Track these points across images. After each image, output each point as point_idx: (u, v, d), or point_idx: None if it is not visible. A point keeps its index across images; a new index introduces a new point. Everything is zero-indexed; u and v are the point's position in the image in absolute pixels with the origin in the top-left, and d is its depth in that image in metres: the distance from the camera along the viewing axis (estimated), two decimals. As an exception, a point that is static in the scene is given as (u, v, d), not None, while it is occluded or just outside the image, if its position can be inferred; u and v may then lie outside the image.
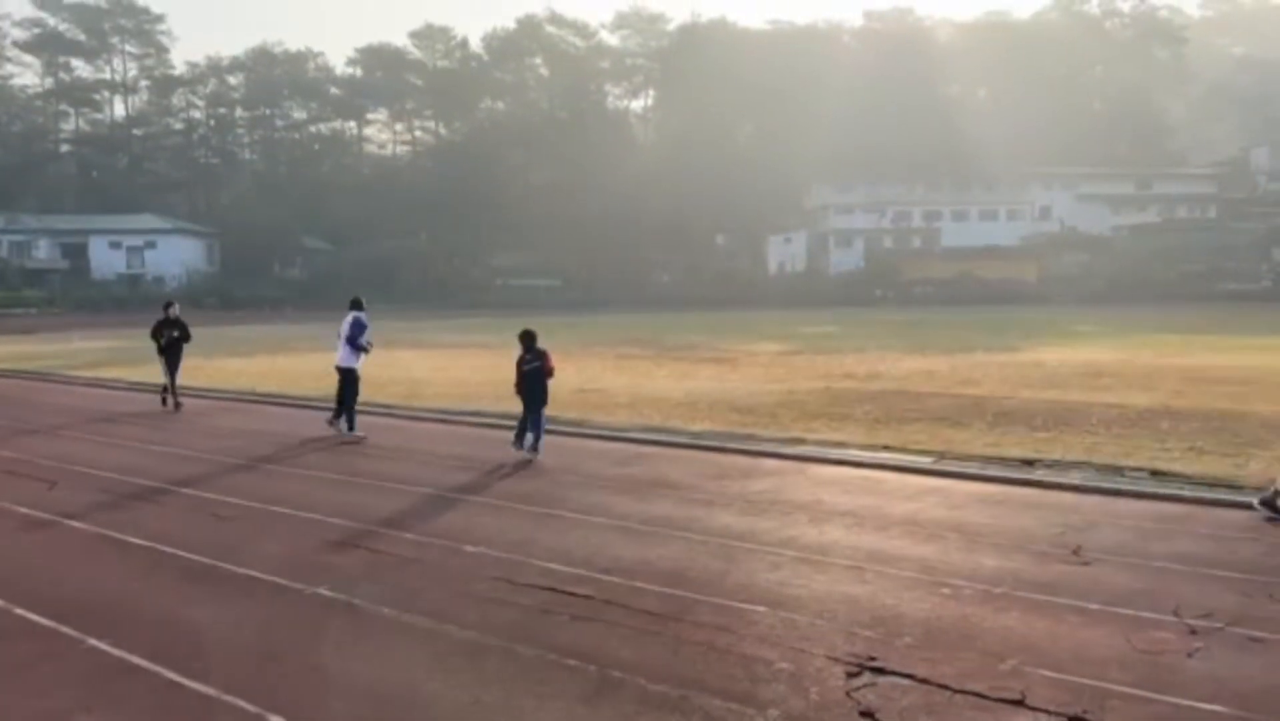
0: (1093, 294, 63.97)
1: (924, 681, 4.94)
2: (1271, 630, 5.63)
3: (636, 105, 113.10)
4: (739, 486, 10.05)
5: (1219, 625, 5.71)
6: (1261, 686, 4.83)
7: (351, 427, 13.84)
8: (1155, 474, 10.39)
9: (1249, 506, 8.74)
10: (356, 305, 14.28)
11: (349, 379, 13.91)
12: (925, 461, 11.36)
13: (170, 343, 17.87)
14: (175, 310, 18.39)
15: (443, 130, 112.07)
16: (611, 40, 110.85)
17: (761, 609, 6.07)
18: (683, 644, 5.50)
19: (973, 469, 10.85)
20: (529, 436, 11.88)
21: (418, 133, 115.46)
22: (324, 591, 6.57)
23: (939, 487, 9.97)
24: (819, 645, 5.45)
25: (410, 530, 8.23)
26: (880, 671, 5.08)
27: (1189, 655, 5.28)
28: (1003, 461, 11.25)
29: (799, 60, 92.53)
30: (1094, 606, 6.13)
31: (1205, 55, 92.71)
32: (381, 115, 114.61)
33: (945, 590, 6.49)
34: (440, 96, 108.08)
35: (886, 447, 12.33)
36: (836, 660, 5.23)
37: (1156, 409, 15.05)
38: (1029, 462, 11.22)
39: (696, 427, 14.30)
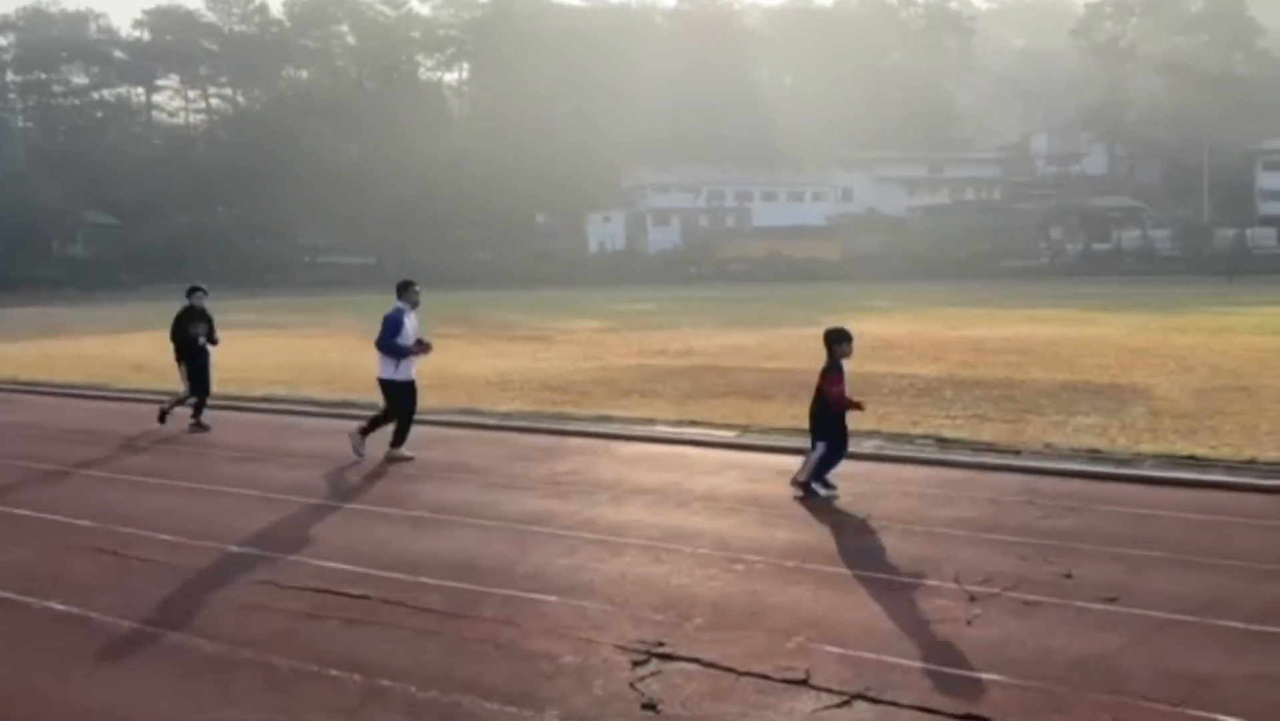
0: (891, 271, 67.35)
1: (710, 665, 4.77)
2: (1045, 593, 5.81)
3: (451, 78, 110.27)
4: (543, 468, 9.73)
5: (996, 590, 5.85)
6: (1034, 651, 4.93)
7: (401, 442, 10.30)
8: (941, 441, 10.81)
9: (1020, 470, 9.21)
10: (402, 290, 10.42)
11: (389, 395, 10.31)
12: (729, 435, 11.39)
13: (194, 348, 12.71)
14: (203, 298, 13.10)
15: (241, 99, 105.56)
16: (423, 9, 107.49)
17: (552, 598, 5.77)
18: (463, 643, 5.12)
19: (774, 441, 10.95)
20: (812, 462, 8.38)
21: (214, 101, 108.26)
22: (55, 605, 5.77)
23: (740, 461, 9.98)
24: (608, 633, 5.20)
25: (166, 531, 7.42)
26: (667, 658, 4.87)
27: (969, 622, 5.35)
28: (802, 433, 11.41)
29: (614, 39, 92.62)
30: (881, 576, 6.17)
31: (991, 46, 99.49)
32: (173, 82, 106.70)
33: (739, 566, 6.40)
34: (238, 63, 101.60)
35: (693, 423, 12.31)
36: (624, 649, 4.98)
37: (944, 378, 15.77)
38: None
39: (505, 408, 13.88)
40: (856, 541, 6.98)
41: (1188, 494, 8.33)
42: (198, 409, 12.65)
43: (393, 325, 10.13)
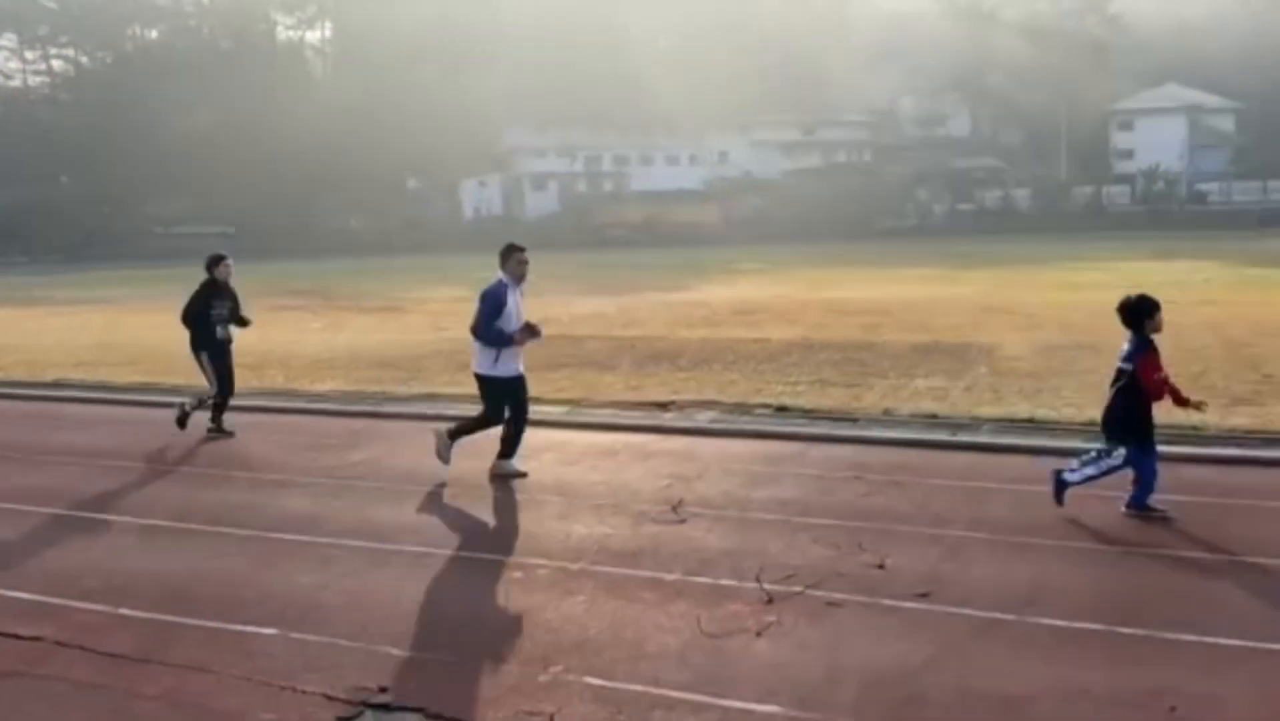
0: (768, 234, 67.53)
1: (435, 717, 3.86)
2: (852, 589, 5.12)
3: (312, 37, 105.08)
4: (333, 458, 8.64)
5: (798, 589, 5.13)
6: (824, 672, 4.21)
7: (507, 455, 7.93)
8: (780, 410, 10.18)
9: (853, 441, 8.62)
10: (505, 257, 7.89)
11: (489, 394, 7.90)
12: (558, 412, 10.49)
13: (213, 335, 9.95)
14: (229, 269, 10.14)
15: (84, 60, 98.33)
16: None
17: (270, 631, 4.76)
18: (132, 702, 4.08)
19: (602, 417, 10.13)
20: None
21: (55, 63, 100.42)
22: None
23: (561, 441, 9.10)
24: (322, 678, 4.24)
25: None
26: (385, 709, 3.95)
27: (759, 633, 4.61)
28: (638, 406, 10.66)
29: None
30: (672, 577, 5.39)
31: (861, 9, 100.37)
32: (9, 42, 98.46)
33: (518, 574, 5.52)
34: (80, 21, 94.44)
35: (524, 399, 11.40)
36: (335, 699, 4.04)
37: (797, 342, 15.25)
38: (663, 405, 10.71)
39: (322, 388, 12.67)
40: (659, 534, 6.18)
41: (1022, 462, 7.85)
42: (219, 409, 9.93)
43: (494, 303, 7.51)
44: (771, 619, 4.75)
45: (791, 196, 77.95)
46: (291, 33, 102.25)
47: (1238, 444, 8.06)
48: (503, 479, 7.66)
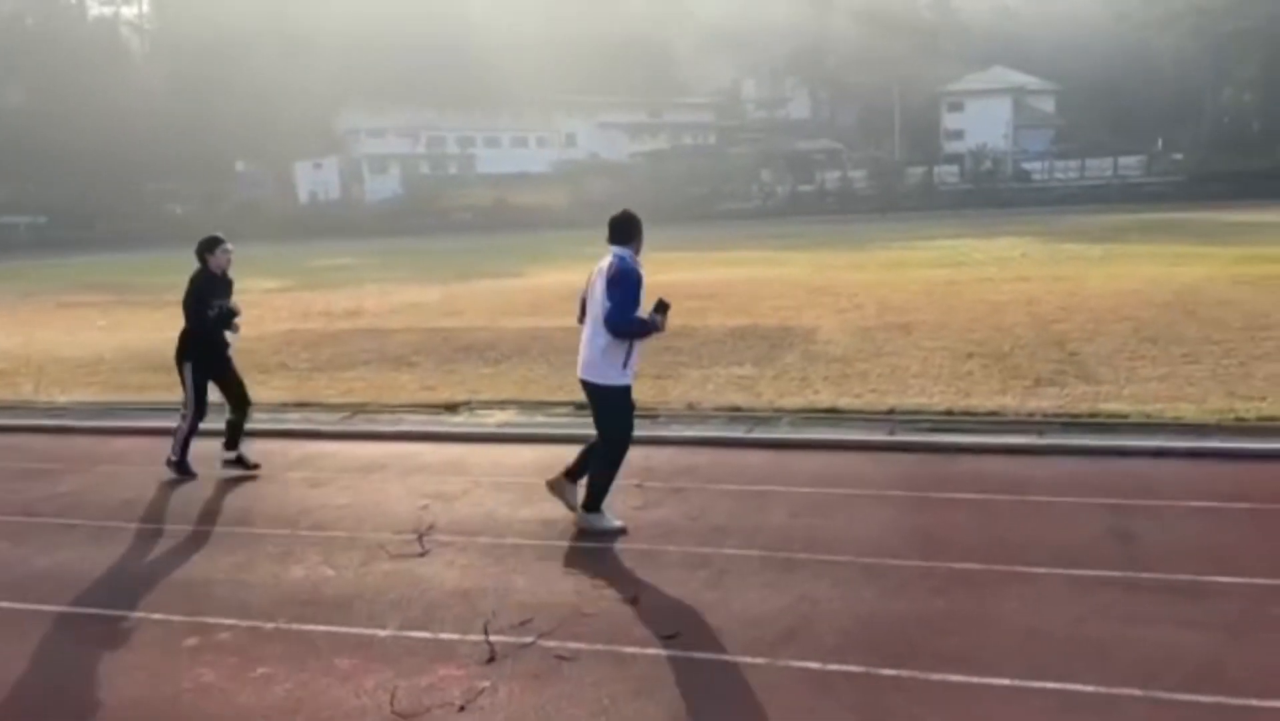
0: (616, 217, 67.02)
1: None
2: (590, 635, 4.37)
3: (129, 13, 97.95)
4: (41, 489, 7.34)
5: (530, 639, 4.34)
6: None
7: (593, 507, 5.98)
8: (580, 408, 9.40)
9: (645, 442, 7.90)
10: (627, 230, 6.04)
11: (608, 409, 5.94)
12: (330, 421, 9.42)
13: (216, 340, 7.75)
14: (228, 256, 7.81)
15: None
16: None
17: None
18: None
19: (380, 425, 9.11)
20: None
21: None
22: None
23: (318, 456, 8.05)
24: None
25: None
26: None
27: (461, 707, 3.78)
28: (427, 409, 9.70)
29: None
30: (385, 634, 4.50)
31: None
32: None
33: (192, 640, 4.51)
34: None
35: (301, 405, 10.25)
36: None
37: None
38: (453, 408, 9.78)
39: (68, 399, 11.13)
40: (391, 573, 5.28)
41: (815, 460, 7.32)
42: (234, 433, 7.71)
43: (635, 284, 5.75)
44: (485, 684, 3.94)
45: (639, 179, 77.69)
46: (105, 9, 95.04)
47: (1037, 431, 7.76)
48: (595, 533, 5.78)
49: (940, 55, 72.43)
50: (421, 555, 5.51)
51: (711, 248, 37.16)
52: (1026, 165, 67.30)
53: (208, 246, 7.65)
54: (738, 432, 8.10)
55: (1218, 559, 4.95)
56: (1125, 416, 8.15)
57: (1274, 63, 60.22)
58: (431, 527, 5.95)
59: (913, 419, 8.43)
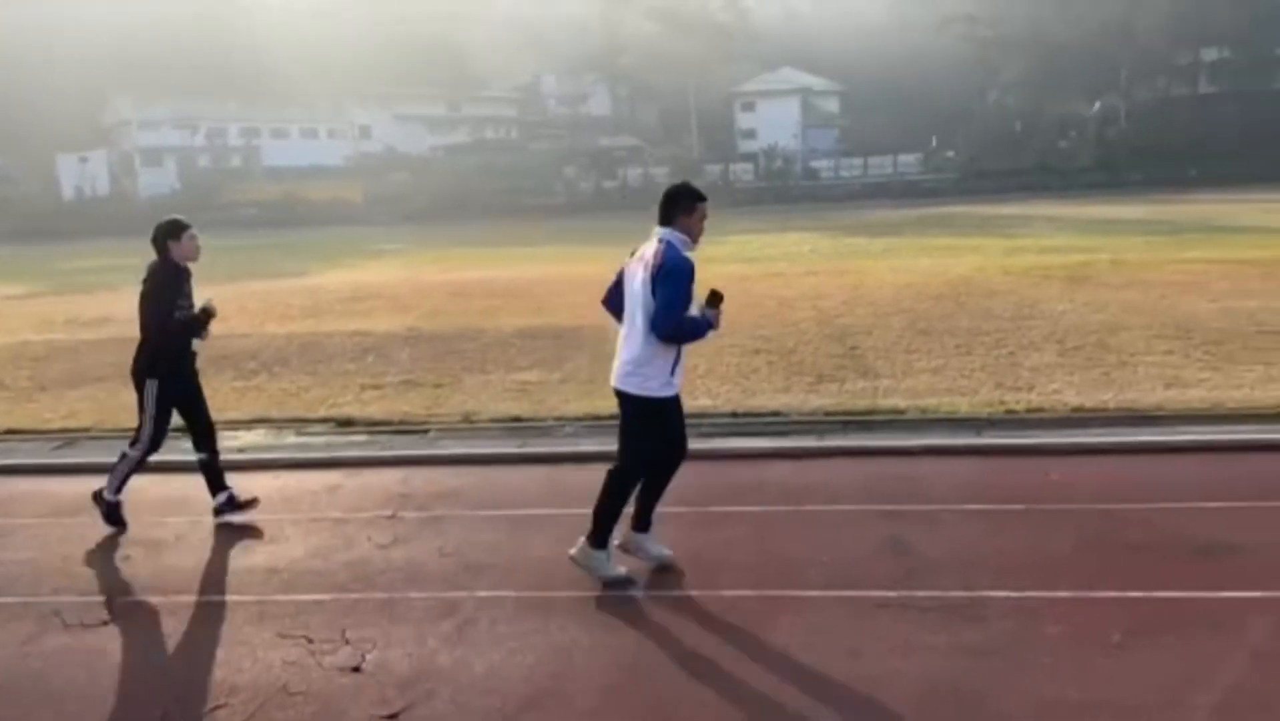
0: (416, 213, 64.86)
1: None
2: (293, 717, 3.59)
3: None
4: None
5: (216, 731, 3.52)
6: None
7: (600, 543, 5.00)
8: (344, 424, 8.50)
9: (408, 462, 7.13)
10: (681, 203, 4.95)
11: (646, 425, 5.04)
12: (37, 453, 8.08)
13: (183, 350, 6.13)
14: (196, 245, 6.10)
15: None
16: None
17: None
18: None
19: (88, 455, 7.80)
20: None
21: None
22: None
23: (9, 497, 6.79)
24: None
25: None
26: None
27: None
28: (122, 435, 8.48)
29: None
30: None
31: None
32: None
33: None
34: None
35: (8, 433, 8.80)
36: None
37: (401, 333, 13.60)
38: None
39: None
40: (48, 653, 4.29)
41: (593, 475, 6.70)
42: (216, 472, 6.22)
43: (686, 279, 4.75)
44: (143, 804, 3.11)
45: (440, 173, 75.77)
46: None
47: (817, 433, 7.53)
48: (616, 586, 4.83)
49: (733, 56, 74.29)
50: (105, 624, 4.55)
51: (514, 244, 36.33)
52: (815, 164, 70.09)
53: (170, 231, 5.94)
54: (511, 447, 7.45)
55: (994, 569, 4.74)
56: (902, 412, 8.08)
57: (1034, 67, 65.30)
58: (127, 586, 4.97)
59: (696, 423, 8.03)
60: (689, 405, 8.64)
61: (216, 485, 6.13)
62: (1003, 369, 9.62)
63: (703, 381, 9.69)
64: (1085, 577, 4.60)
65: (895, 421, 7.87)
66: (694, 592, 4.64)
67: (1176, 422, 7.34)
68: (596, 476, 6.69)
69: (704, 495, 6.19)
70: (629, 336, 4.89)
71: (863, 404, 8.43)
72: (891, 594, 4.50)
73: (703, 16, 71.98)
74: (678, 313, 4.68)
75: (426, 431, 8.16)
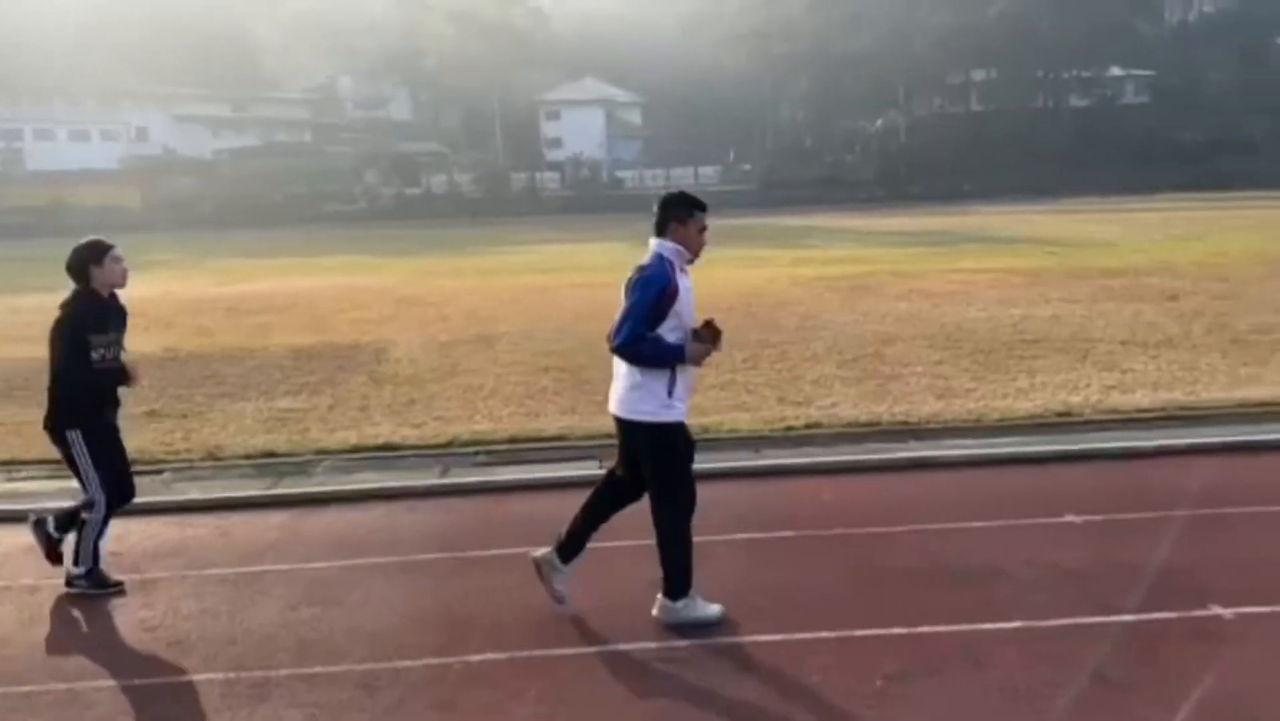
0: (200, 220, 60.78)
1: None
2: None
3: None
4: None
5: None
6: None
7: (677, 592, 4.44)
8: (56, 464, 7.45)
9: (133, 513, 6.25)
10: (677, 210, 4.37)
11: (656, 453, 4.44)
12: None
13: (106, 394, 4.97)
14: (122, 268, 4.96)
15: None
16: None
17: None
18: None
19: None
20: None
21: None
22: None
23: None
24: None
25: None
26: None
27: None
28: None
29: None
30: None
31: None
32: None
33: None
34: None
35: None
36: None
37: (156, 356, 12.27)
38: None
39: None
40: None
41: (342, 519, 6.13)
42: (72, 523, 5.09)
43: (657, 293, 4.19)
44: None
45: (227, 178, 71.49)
46: None
47: (597, 457, 7.17)
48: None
49: (535, 63, 73.87)
50: None
51: (304, 253, 34.43)
52: (620, 173, 70.77)
53: (92, 255, 4.96)
54: (257, 489, 6.68)
55: (760, 609, 4.48)
56: (687, 432, 7.86)
57: (821, 82, 68.54)
58: None
59: (473, 451, 7.55)
60: (465, 430, 8.22)
61: (65, 526, 5.16)
62: (785, 383, 9.62)
63: (487, 403, 9.20)
64: (850, 614, 4.42)
65: (678, 442, 7.64)
66: (438, 661, 4.13)
67: (945, 436, 7.46)
68: (348, 520, 6.11)
69: (468, 537, 5.71)
70: (619, 361, 4.41)
71: (647, 424, 8.16)
72: (652, 645, 4.17)
73: (501, 21, 71.20)
74: (636, 327, 4.13)
75: (160, 472, 7.24)
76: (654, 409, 4.29)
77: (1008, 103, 69.15)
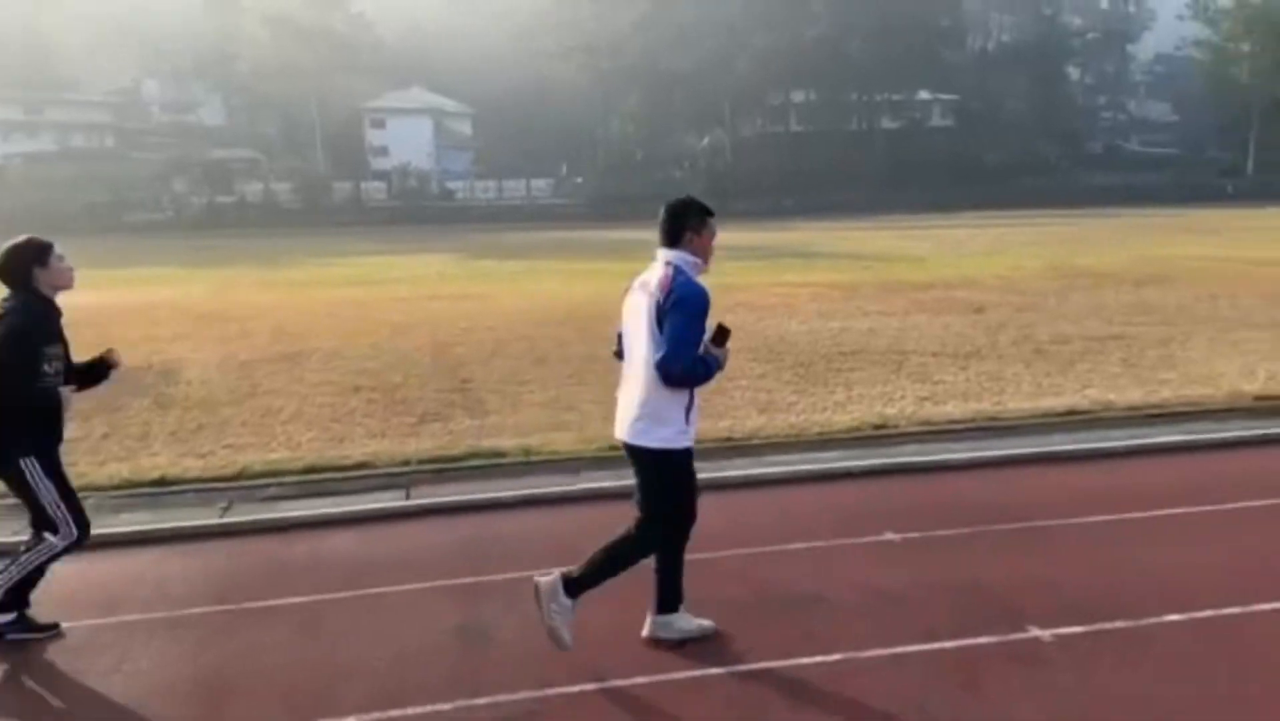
0: (-16, 228, 55.54)
1: None
2: None
3: None
4: None
5: None
6: None
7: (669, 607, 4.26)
8: None
9: None
10: (670, 225, 4.12)
11: (663, 482, 4.12)
12: None
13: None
14: (67, 270, 4.33)
15: None
16: None
17: None
18: None
19: None
20: None
21: None
22: None
23: None
24: None
25: None
26: None
27: None
28: None
29: None
30: None
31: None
32: None
33: None
34: None
35: None
36: None
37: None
38: None
39: None
40: None
41: (98, 569, 5.35)
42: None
43: (699, 312, 3.94)
44: None
45: (20, 184, 65.65)
46: None
47: (404, 487, 6.62)
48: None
49: (360, 70, 71.46)
50: None
51: (105, 264, 31.70)
52: (450, 184, 69.38)
53: (35, 255, 4.33)
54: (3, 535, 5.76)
55: (569, 656, 4.08)
56: (504, 455, 7.42)
57: (651, 97, 69.34)
58: None
59: (263, 484, 6.84)
60: (259, 460, 7.47)
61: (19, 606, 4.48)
62: (612, 400, 9.27)
63: (287, 427, 8.45)
64: (664, 657, 4.09)
65: (496, 466, 7.19)
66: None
67: (768, 451, 7.32)
68: (104, 570, 5.32)
69: (246, 586, 5.06)
70: (631, 379, 4.16)
71: (464, 446, 7.66)
72: (446, 707, 3.70)
73: (322, 26, 68.52)
74: (688, 351, 3.92)
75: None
76: (671, 435, 4.10)
77: (825, 124, 72.05)
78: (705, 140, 68.38)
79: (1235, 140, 70.19)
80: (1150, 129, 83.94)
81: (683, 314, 3.94)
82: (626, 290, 4.27)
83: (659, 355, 3.94)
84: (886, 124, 73.21)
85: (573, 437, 7.87)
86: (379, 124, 74.58)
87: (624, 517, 6.01)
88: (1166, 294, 15.77)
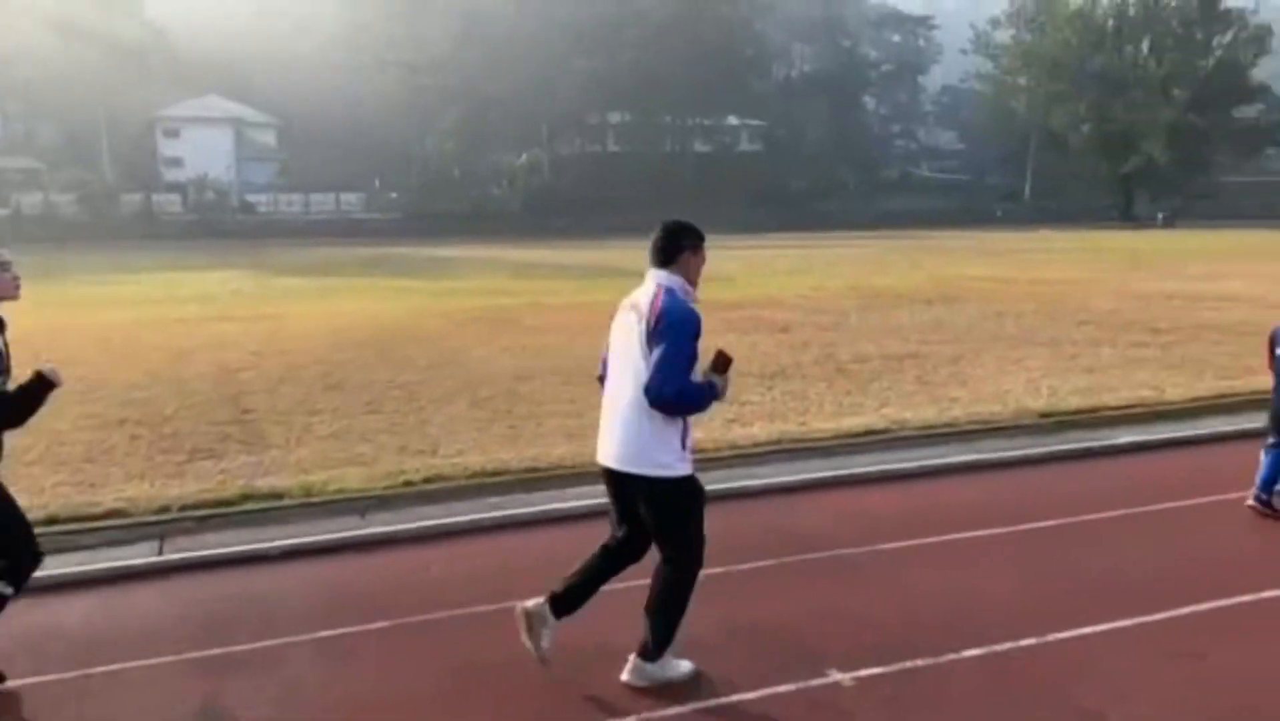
0: None
1: None
2: None
3: None
4: None
5: None
6: None
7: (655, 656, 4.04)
8: None
9: None
10: (665, 245, 4.09)
11: (670, 514, 3.99)
12: None
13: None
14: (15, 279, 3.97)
15: None
16: None
17: None
18: None
19: None
20: None
21: None
22: None
23: None
24: None
25: None
26: None
27: None
28: None
29: None
30: None
31: None
32: None
33: None
34: None
35: None
36: None
37: None
38: None
39: None
40: None
41: None
42: None
43: (691, 335, 3.84)
44: None
45: None
46: None
47: (158, 536, 5.86)
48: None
49: (152, 78, 66.76)
50: None
51: None
52: (251, 197, 65.77)
53: None
54: None
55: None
56: (282, 496, 6.74)
57: (470, 116, 68.17)
58: None
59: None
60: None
61: None
62: (409, 428, 8.75)
63: (28, 471, 7.39)
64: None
65: (271, 510, 6.51)
66: None
67: (573, 482, 6.98)
68: None
69: None
70: (618, 405, 3.96)
71: (236, 489, 6.92)
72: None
73: (107, 31, 63.62)
74: (680, 376, 3.77)
75: None
76: (670, 461, 3.91)
77: (640, 145, 73.17)
78: (523, 158, 67.92)
79: (1014, 168, 76.13)
80: (939, 156, 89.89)
81: (674, 337, 3.81)
82: (615, 310, 4.14)
83: (649, 380, 3.78)
84: (699, 147, 75.07)
85: (363, 474, 7.27)
86: (173, 134, 69.86)
87: (415, 564, 5.54)
88: (957, 313, 16.58)
